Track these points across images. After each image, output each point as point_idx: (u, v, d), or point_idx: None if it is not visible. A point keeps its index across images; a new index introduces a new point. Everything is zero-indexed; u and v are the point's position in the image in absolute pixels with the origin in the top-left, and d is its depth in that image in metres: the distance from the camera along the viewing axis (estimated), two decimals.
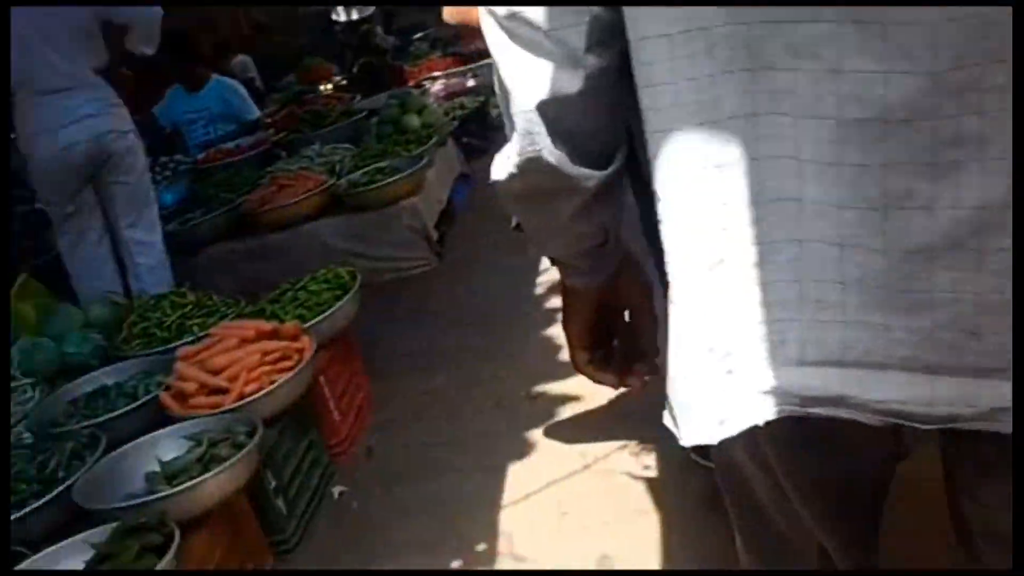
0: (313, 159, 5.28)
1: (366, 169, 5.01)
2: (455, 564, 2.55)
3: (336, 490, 3.08)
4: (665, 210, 0.88)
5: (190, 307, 3.41)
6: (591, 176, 0.95)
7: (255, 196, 4.93)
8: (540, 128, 0.90)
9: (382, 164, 5.02)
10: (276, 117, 6.32)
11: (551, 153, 0.92)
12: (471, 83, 8.65)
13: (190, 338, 3.26)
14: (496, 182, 1.01)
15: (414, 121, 5.53)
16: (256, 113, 6.38)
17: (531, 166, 0.94)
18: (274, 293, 3.41)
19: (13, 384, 3.15)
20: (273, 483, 2.75)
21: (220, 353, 2.85)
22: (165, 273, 4.64)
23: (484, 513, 2.74)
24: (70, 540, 2.29)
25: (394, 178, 4.77)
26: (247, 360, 2.79)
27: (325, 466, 3.12)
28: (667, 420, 0.95)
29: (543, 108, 0.90)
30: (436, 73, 9.88)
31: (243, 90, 6.32)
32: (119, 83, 4.28)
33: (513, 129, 0.94)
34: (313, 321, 3.12)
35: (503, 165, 0.99)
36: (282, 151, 5.69)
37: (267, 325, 2.94)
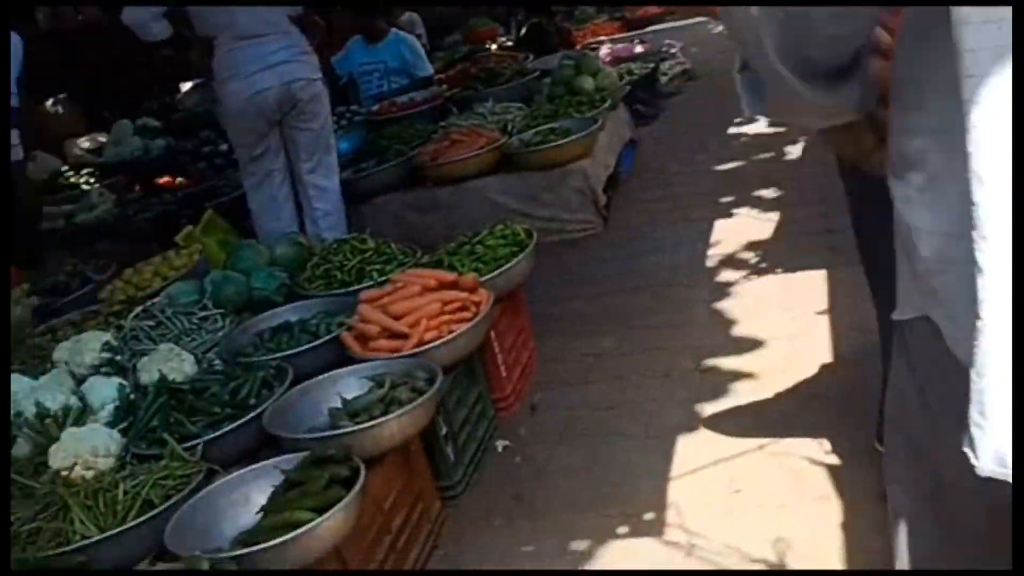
0: (485, 116, 5.31)
1: (538, 129, 5.00)
2: (622, 530, 2.53)
3: (500, 443, 3.12)
4: (988, 220, 0.79)
5: (370, 253, 3.50)
6: (849, 98, 0.99)
7: (428, 149, 5.01)
8: (789, 73, 0.95)
9: (554, 125, 5.00)
10: (449, 73, 6.39)
11: (808, 93, 0.96)
12: (639, 49, 8.49)
13: (369, 283, 3.35)
14: (749, 109, 1.08)
15: (588, 83, 5.47)
16: (430, 70, 6.48)
17: (787, 107, 1.02)
18: (451, 245, 3.46)
19: (205, 313, 3.34)
20: (444, 430, 2.81)
21: (402, 299, 2.91)
22: (340, 219, 4.79)
23: (650, 482, 2.71)
24: (261, 464, 2.41)
25: (566, 140, 4.74)
26: (428, 308, 2.84)
27: (490, 419, 3.16)
28: (966, 443, 0.85)
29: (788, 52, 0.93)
30: (602, 37, 9.79)
31: (419, 46, 6.42)
32: (311, 31, 4.42)
33: (766, 76, 0.98)
34: (490, 275, 3.15)
35: (765, 105, 1.05)
36: (454, 107, 5.75)
37: (448, 275, 2.99)
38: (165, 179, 6.00)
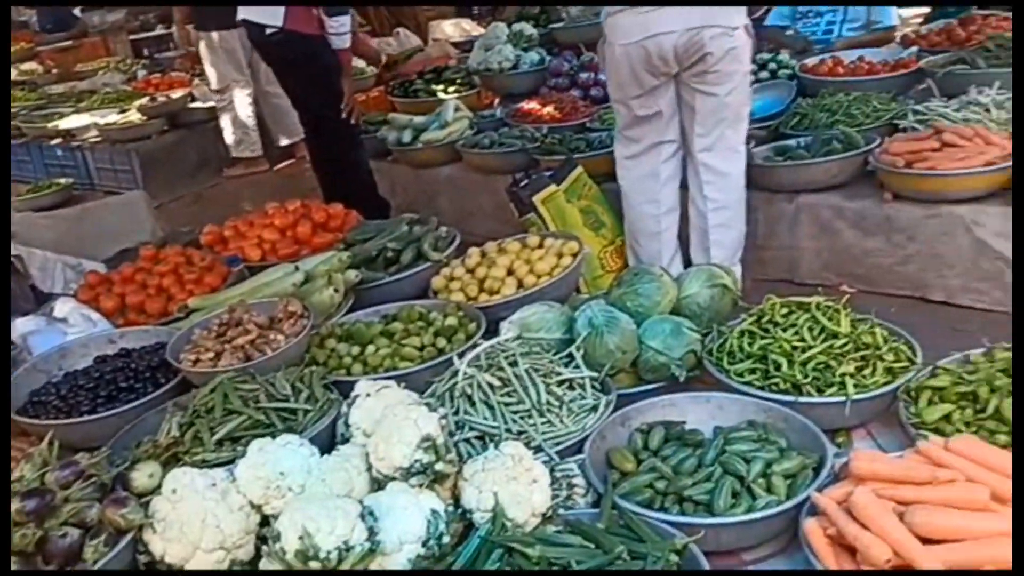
0: (989, 110, 3.63)
1: None
2: None
3: None
4: None
5: (849, 342, 2.13)
6: None
7: (899, 148, 3.45)
8: None
9: None
10: (927, 33, 4.65)
11: None
12: None
13: (846, 395, 2.03)
14: None
15: None
16: (894, 18, 4.78)
17: None
18: None
19: (572, 375, 2.18)
20: None
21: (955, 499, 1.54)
22: (737, 215, 3.50)
23: None
24: None
25: None
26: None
27: None
28: None
29: None
30: None
31: None
32: None
33: None
34: None
35: None
36: (932, 84, 4.08)
37: None
38: (532, 105, 4.93)
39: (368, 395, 1.94)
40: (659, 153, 3.48)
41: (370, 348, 2.33)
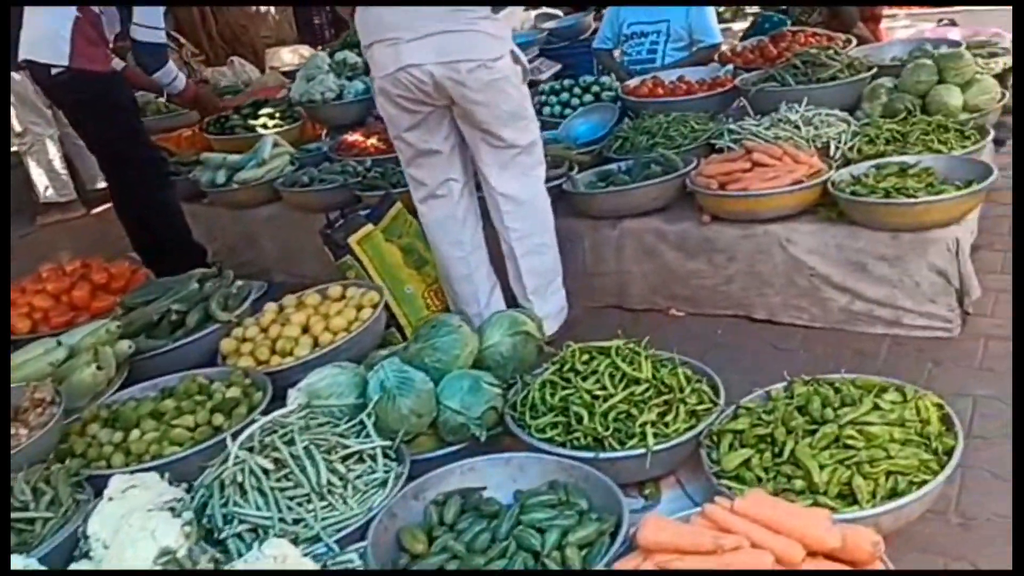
0: (798, 127, 3.67)
1: (881, 163, 3.34)
2: None
3: None
4: None
5: (648, 389, 2.02)
6: None
7: (713, 171, 3.43)
8: None
9: (907, 159, 3.32)
10: (742, 50, 4.71)
11: None
12: (954, 35, 6.43)
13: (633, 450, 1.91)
14: None
15: (955, 98, 3.71)
16: (718, 36, 4.82)
17: None
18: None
19: (361, 447, 2.00)
20: None
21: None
22: (545, 243, 3.29)
23: None
24: None
25: (943, 198, 3.05)
26: None
27: None
28: None
29: None
30: (896, 11, 7.67)
31: (709, 7, 4.80)
32: None
33: None
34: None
35: None
36: (745, 102, 4.12)
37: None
38: (356, 137, 4.73)
39: (111, 498, 1.70)
40: (449, 193, 3.30)
41: (134, 433, 2.07)
